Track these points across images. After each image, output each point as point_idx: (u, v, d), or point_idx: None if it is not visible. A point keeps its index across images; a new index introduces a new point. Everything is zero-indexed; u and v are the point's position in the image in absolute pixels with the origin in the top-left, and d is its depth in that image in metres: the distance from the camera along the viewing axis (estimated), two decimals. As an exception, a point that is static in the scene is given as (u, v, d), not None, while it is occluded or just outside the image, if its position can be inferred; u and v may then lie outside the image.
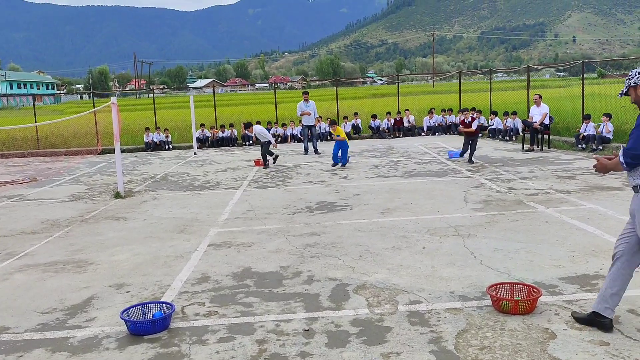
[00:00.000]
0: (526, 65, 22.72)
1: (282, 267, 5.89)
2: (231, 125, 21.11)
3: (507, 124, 17.82)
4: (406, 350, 3.86)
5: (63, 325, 4.66)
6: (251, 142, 20.19)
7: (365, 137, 20.98)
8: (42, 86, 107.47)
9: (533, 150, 14.70)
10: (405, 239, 6.71)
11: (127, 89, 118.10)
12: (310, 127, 16.77)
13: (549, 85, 44.62)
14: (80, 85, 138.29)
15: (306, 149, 16.71)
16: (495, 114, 18.71)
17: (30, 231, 8.27)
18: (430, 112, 21.41)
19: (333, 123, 14.15)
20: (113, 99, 10.83)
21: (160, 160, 17.15)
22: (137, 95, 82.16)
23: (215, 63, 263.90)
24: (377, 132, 20.97)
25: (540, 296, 4.46)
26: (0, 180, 13.89)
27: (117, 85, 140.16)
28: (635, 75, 3.86)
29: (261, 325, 4.42)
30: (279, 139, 20.60)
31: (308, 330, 4.28)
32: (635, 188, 3.82)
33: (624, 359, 3.60)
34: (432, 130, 20.76)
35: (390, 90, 56.36)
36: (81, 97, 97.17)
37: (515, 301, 4.40)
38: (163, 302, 4.74)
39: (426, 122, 21.02)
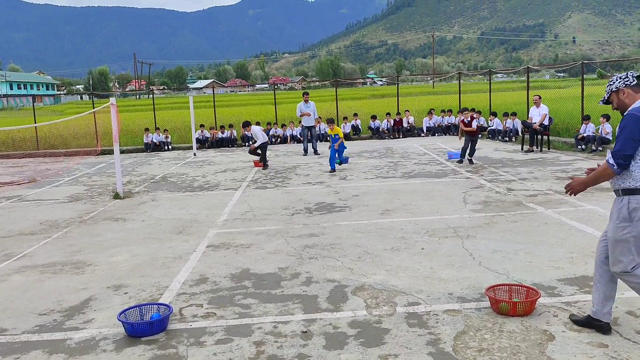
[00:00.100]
0: (526, 66, 22.70)
1: (280, 269, 5.88)
2: (231, 126, 21.10)
3: (506, 125, 17.82)
4: (404, 352, 3.85)
5: (60, 326, 4.65)
6: (251, 142, 20.14)
7: (365, 138, 20.97)
8: (42, 87, 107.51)
9: (532, 151, 14.70)
10: (404, 240, 6.70)
11: (127, 90, 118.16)
12: (310, 128, 16.75)
13: (548, 86, 44.58)
14: (80, 86, 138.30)
15: (306, 150, 16.70)
16: (494, 114, 18.71)
17: (28, 232, 8.26)
18: (429, 112, 21.42)
19: (331, 122, 13.67)
20: (112, 99, 10.82)
21: (159, 161, 17.15)
22: (137, 96, 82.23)
23: (215, 64, 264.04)
24: (376, 133, 20.97)
25: (539, 298, 4.45)
26: (-1, 181, 13.88)
27: (117, 85, 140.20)
28: (617, 80, 3.88)
29: (259, 327, 4.41)
30: (279, 139, 20.62)
31: (306, 331, 4.27)
32: (617, 192, 3.81)
33: (623, 361, 3.60)
34: (432, 131, 20.76)
35: (390, 91, 56.27)
36: (81, 98, 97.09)
37: (513, 303, 4.39)
38: (161, 304, 4.73)
39: (426, 122, 21.02)
